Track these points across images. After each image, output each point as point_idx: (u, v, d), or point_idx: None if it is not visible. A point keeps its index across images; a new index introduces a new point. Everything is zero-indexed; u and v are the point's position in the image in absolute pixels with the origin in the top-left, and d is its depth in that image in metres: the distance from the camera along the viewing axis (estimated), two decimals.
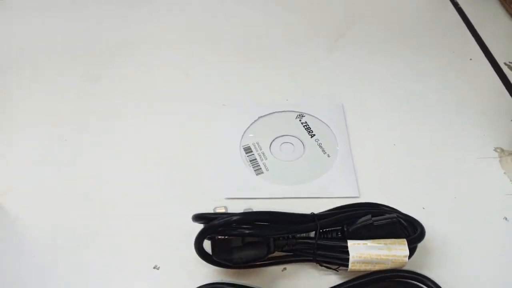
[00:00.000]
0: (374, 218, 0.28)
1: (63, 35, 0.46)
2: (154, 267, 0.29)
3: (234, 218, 0.26)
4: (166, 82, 0.41)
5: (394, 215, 0.28)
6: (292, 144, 0.36)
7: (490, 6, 0.49)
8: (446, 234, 0.30)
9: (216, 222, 0.26)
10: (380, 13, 0.48)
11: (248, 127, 0.37)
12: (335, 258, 0.28)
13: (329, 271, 0.28)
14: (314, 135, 0.36)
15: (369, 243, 0.27)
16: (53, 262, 0.29)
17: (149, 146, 0.36)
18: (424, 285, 0.26)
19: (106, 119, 0.38)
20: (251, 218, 0.26)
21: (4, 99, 0.40)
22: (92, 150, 0.36)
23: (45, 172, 0.34)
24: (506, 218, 0.31)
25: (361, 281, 0.27)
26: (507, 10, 0.47)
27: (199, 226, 0.27)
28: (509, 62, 0.42)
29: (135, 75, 0.42)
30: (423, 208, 0.31)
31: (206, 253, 0.27)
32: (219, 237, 0.27)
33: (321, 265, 0.28)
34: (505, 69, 0.42)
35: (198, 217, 0.27)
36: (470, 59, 0.43)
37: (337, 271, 0.28)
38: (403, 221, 0.29)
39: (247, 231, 0.26)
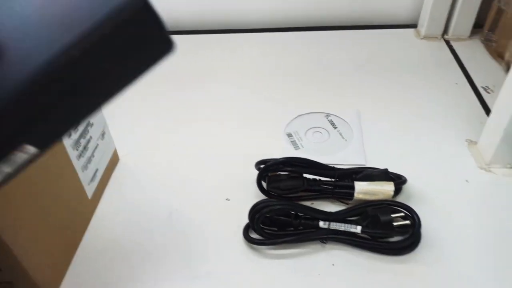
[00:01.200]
0: (372, 170, 0.43)
1: None
2: (226, 199, 0.45)
3: (281, 160, 0.42)
4: (242, 95, 0.59)
5: (386, 169, 0.43)
6: (321, 133, 0.52)
7: (474, 46, 0.65)
8: (423, 188, 0.44)
9: (270, 163, 0.42)
10: (392, 52, 0.65)
11: (291, 121, 0.53)
12: (347, 194, 0.42)
13: (342, 204, 0.43)
14: (337, 127, 0.52)
15: (367, 183, 0.42)
16: (166, 192, 0.46)
17: (230, 126, 0.53)
18: (402, 208, 0.40)
19: (202, 108, 0.56)
20: (292, 160, 0.42)
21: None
22: (193, 125, 0.53)
23: (158, 138, 0.52)
24: (467, 181, 0.45)
25: (364, 205, 0.41)
26: (486, 49, 0.63)
27: (255, 174, 0.43)
28: (485, 86, 0.57)
29: (227, 87, 0.60)
30: (409, 173, 0.46)
31: (263, 187, 0.43)
32: (271, 173, 0.42)
33: (337, 200, 0.43)
34: (481, 91, 0.56)
35: (259, 162, 0.43)
36: (456, 83, 0.58)
37: (347, 204, 0.43)
38: (391, 175, 0.43)
39: (289, 168, 0.42)
